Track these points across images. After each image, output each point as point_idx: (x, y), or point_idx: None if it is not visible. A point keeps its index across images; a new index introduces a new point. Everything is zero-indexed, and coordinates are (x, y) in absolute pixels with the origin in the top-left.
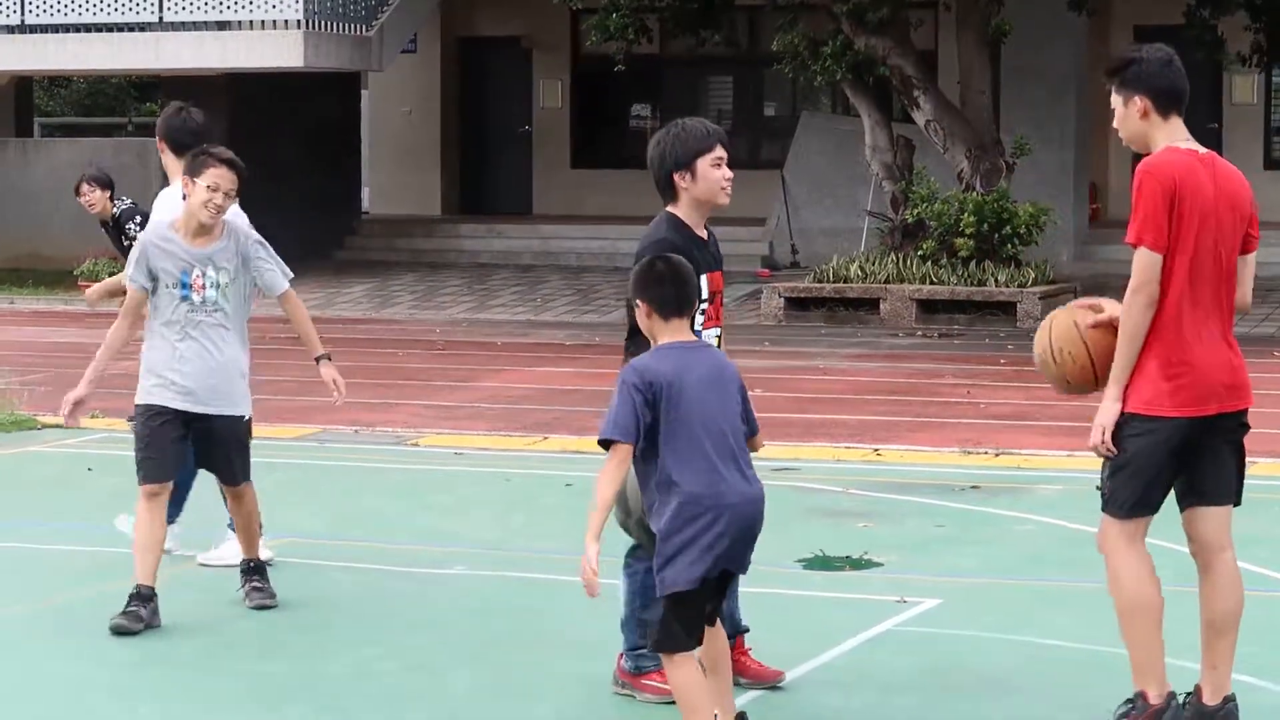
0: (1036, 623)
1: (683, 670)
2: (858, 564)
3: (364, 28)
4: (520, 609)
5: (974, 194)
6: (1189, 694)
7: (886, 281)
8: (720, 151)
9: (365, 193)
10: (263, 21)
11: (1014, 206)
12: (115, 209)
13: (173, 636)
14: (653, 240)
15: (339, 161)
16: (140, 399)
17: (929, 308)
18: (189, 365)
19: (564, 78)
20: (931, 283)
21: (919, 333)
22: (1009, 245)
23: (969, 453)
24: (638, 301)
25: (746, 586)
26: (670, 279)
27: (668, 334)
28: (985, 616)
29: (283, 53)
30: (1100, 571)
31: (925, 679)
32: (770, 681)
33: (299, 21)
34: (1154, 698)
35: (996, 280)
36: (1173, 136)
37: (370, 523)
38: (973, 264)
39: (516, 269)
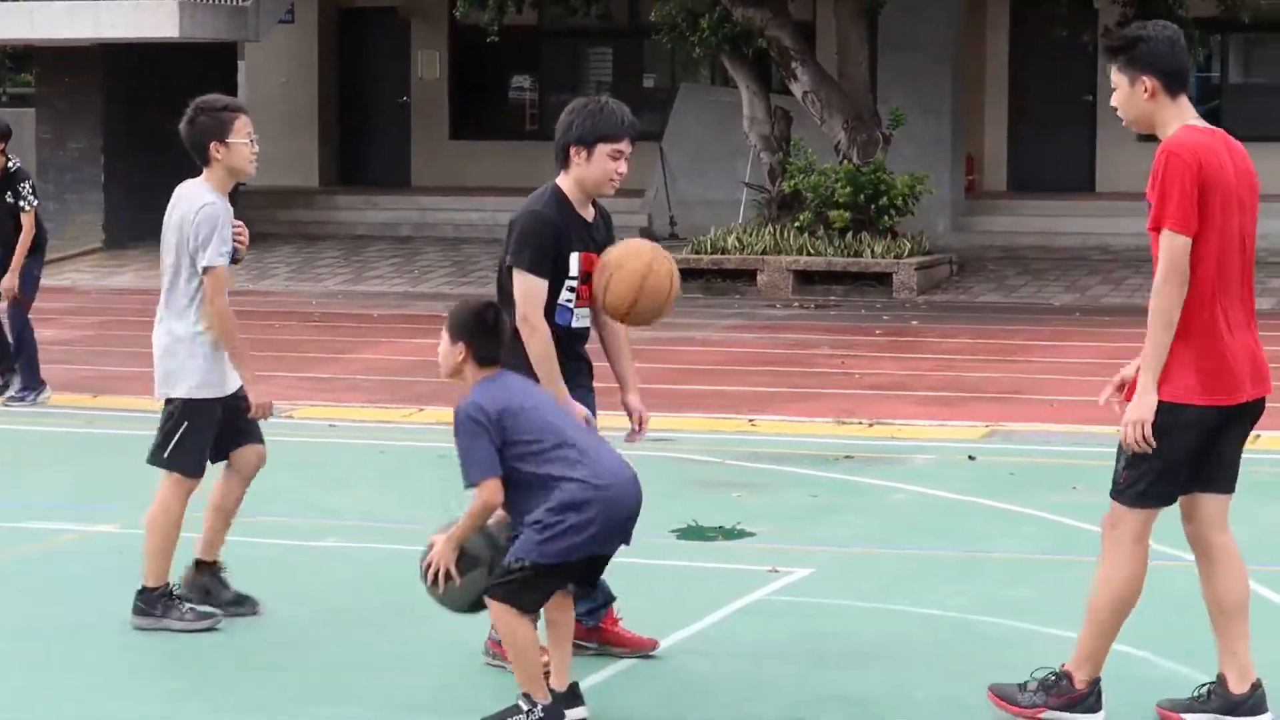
0: (907, 591)
1: (522, 625)
2: (730, 534)
3: None
4: (395, 581)
5: (850, 165)
6: (1211, 684)
7: (764, 253)
8: (624, 146)
9: None
10: None
11: (890, 178)
12: (11, 164)
13: (42, 608)
14: (529, 210)
15: None
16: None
17: (806, 279)
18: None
19: (442, 49)
20: (808, 254)
21: (796, 304)
22: (885, 216)
23: (843, 423)
24: (459, 342)
25: (619, 557)
26: (496, 330)
27: (478, 375)
28: (856, 586)
29: (157, 22)
30: (969, 541)
31: (796, 647)
32: (644, 650)
33: None
34: (1079, 682)
35: (873, 251)
36: (1184, 116)
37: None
38: (849, 235)
39: (394, 240)
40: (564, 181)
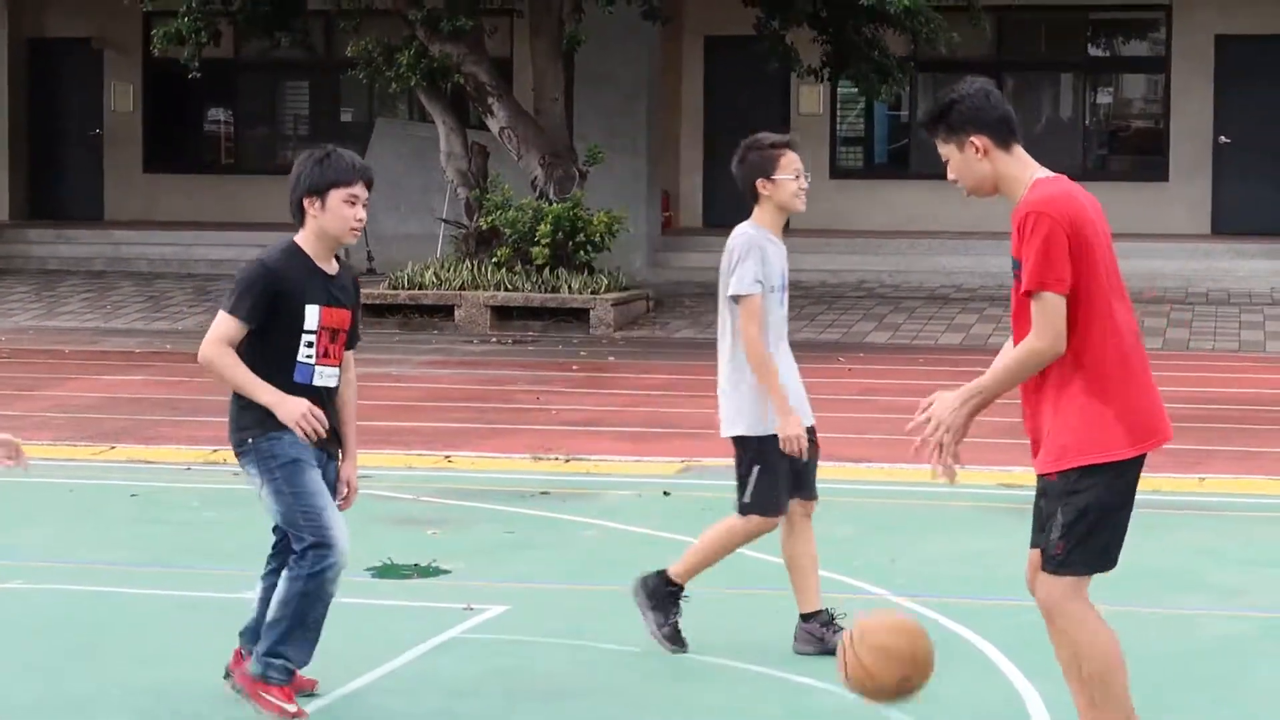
0: (600, 627)
1: None
2: (426, 571)
3: None
4: (83, 622)
5: (548, 202)
6: None
7: (461, 288)
8: (358, 190)
9: None
10: None
11: (588, 215)
12: None
13: None
14: (258, 259)
15: None
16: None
17: (504, 314)
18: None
19: (136, 80)
20: (506, 289)
21: (494, 339)
22: (583, 252)
23: (540, 459)
24: None
25: None
26: None
27: None
28: (550, 622)
29: None
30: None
31: (490, 684)
32: (303, 690)
33: None
34: None
35: (570, 287)
36: (1027, 167)
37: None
38: (547, 271)
39: (87, 275)
40: (301, 237)
